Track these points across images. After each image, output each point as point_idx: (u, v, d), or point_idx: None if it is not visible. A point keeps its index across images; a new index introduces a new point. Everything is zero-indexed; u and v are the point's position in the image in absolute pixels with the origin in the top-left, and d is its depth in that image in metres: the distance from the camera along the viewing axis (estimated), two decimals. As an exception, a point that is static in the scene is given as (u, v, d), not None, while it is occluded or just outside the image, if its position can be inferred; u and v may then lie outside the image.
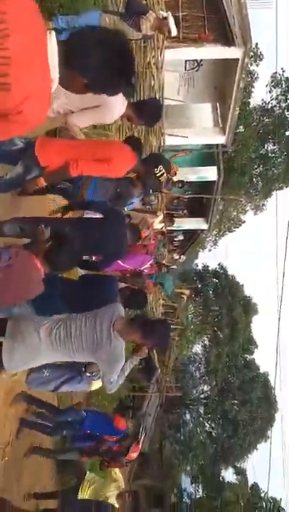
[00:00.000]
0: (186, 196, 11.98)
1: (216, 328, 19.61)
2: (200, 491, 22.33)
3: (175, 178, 8.62)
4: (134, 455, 5.27)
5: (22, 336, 2.54)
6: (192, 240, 15.65)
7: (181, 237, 14.13)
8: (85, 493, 4.88)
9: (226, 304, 19.85)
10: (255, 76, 16.25)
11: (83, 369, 4.12)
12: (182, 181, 9.45)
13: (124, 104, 3.05)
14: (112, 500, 4.78)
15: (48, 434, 5.21)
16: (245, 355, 21.33)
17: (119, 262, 5.21)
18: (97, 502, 4.59)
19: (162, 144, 9.19)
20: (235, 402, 20.58)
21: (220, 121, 11.49)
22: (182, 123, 11.16)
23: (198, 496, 22.19)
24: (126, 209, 5.38)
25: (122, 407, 10.37)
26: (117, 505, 4.67)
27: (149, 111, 3.26)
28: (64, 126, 3.14)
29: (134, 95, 5.62)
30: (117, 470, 5.44)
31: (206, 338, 19.77)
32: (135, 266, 6.82)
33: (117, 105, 3.01)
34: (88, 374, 4.15)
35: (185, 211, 12.60)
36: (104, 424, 5.00)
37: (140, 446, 5.55)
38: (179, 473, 21.04)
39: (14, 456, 4.71)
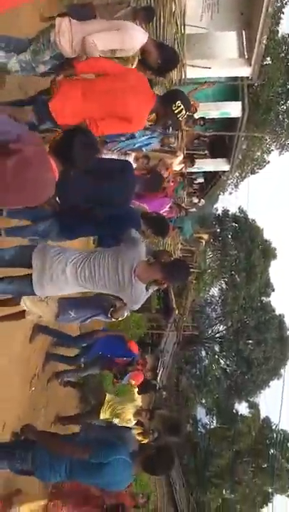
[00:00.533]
0: (208, 134, 11.43)
1: (233, 272, 19.67)
2: (214, 421, 23.76)
3: (196, 115, 8.19)
4: (147, 367, 5.47)
5: (49, 275, 2.66)
6: (213, 182, 15.20)
7: (201, 180, 13.73)
8: (104, 414, 5.15)
9: (245, 248, 19.75)
10: (285, 1, 14.79)
11: (109, 315, 4.21)
12: (204, 118, 8.97)
13: (144, 35, 2.97)
14: (129, 416, 5.06)
15: (69, 364, 5.49)
16: (262, 298, 21.58)
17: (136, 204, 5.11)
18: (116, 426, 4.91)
19: (183, 76, 8.63)
20: (250, 341, 21.19)
21: (245, 51, 10.60)
22: (205, 53, 10.34)
23: (212, 427, 23.67)
24: (144, 150, 5.18)
25: (142, 343, 10.79)
26: (134, 421, 5.01)
27: (169, 54, 3.16)
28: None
29: (153, 19, 5.25)
30: (136, 391, 5.67)
31: (223, 282, 19.95)
32: (153, 209, 6.69)
33: (136, 31, 2.95)
34: (114, 320, 4.27)
35: (206, 151, 12.11)
36: (116, 344, 5.22)
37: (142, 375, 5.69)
38: (194, 405, 22.29)
39: (41, 387, 5.03)
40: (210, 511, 21.99)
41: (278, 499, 21.21)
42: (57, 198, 3.15)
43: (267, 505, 21.52)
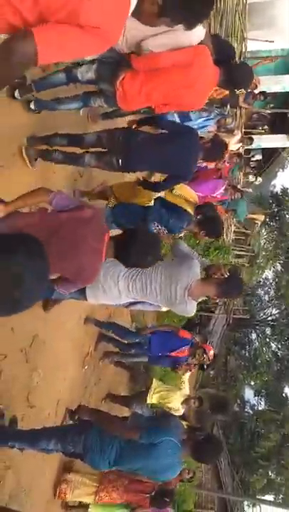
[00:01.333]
0: (268, 110, 10.83)
1: (289, 254, 18.88)
2: (262, 403, 23.53)
3: (256, 90, 7.76)
4: (211, 353, 5.33)
5: (102, 289, 2.73)
6: (271, 159, 14.49)
7: (259, 157, 13.13)
8: (151, 399, 5.26)
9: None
10: None
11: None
12: (264, 93, 8.49)
13: (202, 30, 2.87)
14: (177, 405, 5.12)
15: (120, 349, 5.61)
16: None
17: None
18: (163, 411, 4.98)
19: (244, 49, 8.18)
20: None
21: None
22: (266, 23, 9.69)
23: (260, 408, 23.47)
24: (199, 133, 4.99)
25: (190, 324, 10.76)
26: (182, 410, 5.04)
27: (224, 46, 3.23)
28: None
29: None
30: (185, 379, 5.70)
31: (278, 263, 19.24)
32: (207, 192, 6.49)
33: None
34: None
35: (266, 127, 11.51)
36: (169, 340, 5.17)
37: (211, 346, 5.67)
38: (242, 386, 22.17)
39: (93, 365, 5.21)
40: (255, 491, 22.13)
41: None
42: (119, 161, 3.16)
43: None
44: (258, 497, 21.14)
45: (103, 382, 5.69)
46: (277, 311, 21.39)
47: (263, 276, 18.06)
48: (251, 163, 12.69)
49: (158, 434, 2.73)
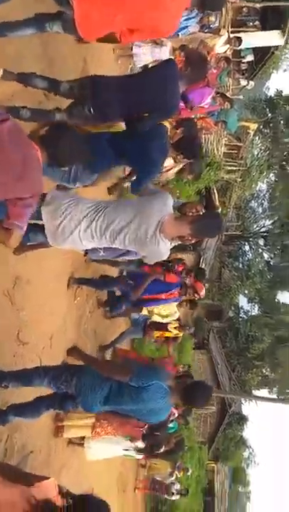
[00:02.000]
0: (258, 4, 9.63)
1: (284, 163, 18.32)
2: (255, 309, 24.71)
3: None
4: (202, 293, 5.32)
5: (62, 232, 2.43)
6: (264, 60, 13.28)
7: (250, 58, 11.98)
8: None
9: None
10: None
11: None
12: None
13: None
14: (172, 310, 5.26)
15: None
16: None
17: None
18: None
19: None
20: (297, 235, 20.69)
21: None
22: None
23: (253, 313, 24.71)
24: (180, 35, 4.40)
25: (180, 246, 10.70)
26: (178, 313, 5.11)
27: None
28: None
29: None
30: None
31: (272, 173, 18.75)
32: (194, 102, 5.95)
33: None
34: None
35: (257, 23, 10.35)
36: (154, 286, 5.03)
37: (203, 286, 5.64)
38: (236, 294, 23.06)
39: (86, 295, 5.20)
40: (250, 387, 24.22)
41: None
42: (91, 108, 2.87)
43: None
44: (253, 394, 23.15)
45: (96, 312, 5.77)
46: (271, 221, 21.41)
47: (257, 188, 17.68)
48: (242, 65, 11.64)
49: (148, 377, 2.71)
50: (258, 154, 15.29)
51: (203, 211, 2.55)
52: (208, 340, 18.65)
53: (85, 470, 5.17)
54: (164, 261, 4.87)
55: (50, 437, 4.23)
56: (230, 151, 10.83)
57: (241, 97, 10.17)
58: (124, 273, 5.50)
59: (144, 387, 2.67)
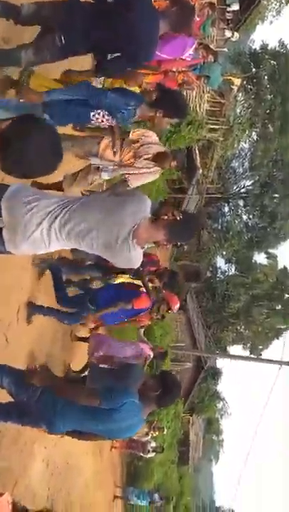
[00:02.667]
0: None
1: (266, 121, 17.88)
2: (233, 269, 25.10)
3: None
4: (176, 307, 4.94)
5: (22, 232, 2.06)
6: (250, 9, 12.52)
7: (235, 7, 11.24)
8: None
9: (282, 91, 17.48)
10: None
11: None
12: None
13: None
14: None
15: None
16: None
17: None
18: None
19: None
20: (276, 196, 20.65)
21: None
22: None
23: (230, 274, 25.13)
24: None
25: (162, 206, 10.39)
26: None
27: None
28: None
29: None
30: None
31: (254, 132, 18.32)
32: (173, 54, 5.46)
33: None
34: None
35: None
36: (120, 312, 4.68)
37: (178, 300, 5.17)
38: (214, 256, 23.24)
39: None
40: (225, 343, 25.04)
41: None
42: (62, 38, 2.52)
43: (278, 338, 24.03)
44: (228, 351, 23.96)
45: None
46: (251, 182, 21.23)
47: (238, 148, 17.30)
48: (227, 14, 10.91)
49: (118, 397, 2.52)
50: (240, 112, 14.80)
51: (180, 216, 2.22)
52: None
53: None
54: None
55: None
56: (213, 109, 10.33)
57: (226, 49, 9.57)
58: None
59: (116, 409, 2.50)
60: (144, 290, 4.67)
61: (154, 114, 3.13)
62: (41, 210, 2.08)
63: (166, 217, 2.20)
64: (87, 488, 6.73)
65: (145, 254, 4.45)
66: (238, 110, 14.38)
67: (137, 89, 3.39)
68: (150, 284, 4.70)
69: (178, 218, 2.18)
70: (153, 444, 8.94)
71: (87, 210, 2.15)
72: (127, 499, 10.11)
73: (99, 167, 3.82)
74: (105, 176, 3.86)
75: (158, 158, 3.78)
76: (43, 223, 2.07)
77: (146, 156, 3.73)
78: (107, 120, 2.84)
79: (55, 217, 2.09)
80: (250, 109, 16.60)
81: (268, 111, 17.92)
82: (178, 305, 4.92)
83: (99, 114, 2.81)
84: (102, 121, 2.86)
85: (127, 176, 3.75)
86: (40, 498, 4.49)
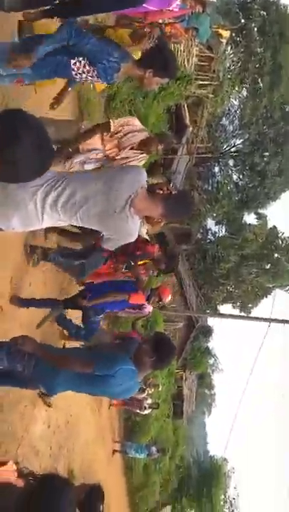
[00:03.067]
0: None
1: (256, 76, 17.33)
2: (223, 231, 25.19)
3: None
4: (168, 300, 5.00)
5: (14, 206, 1.97)
6: None
7: None
8: None
9: (272, 44, 16.83)
10: None
11: None
12: None
13: None
14: None
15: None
16: (284, 106, 19.71)
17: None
18: None
19: None
20: (266, 154, 20.41)
21: None
22: None
23: (221, 235, 25.25)
24: None
25: (153, 166, 10.13)
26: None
27: None
28: None
29: None
30: None
31: (244, 88, 17.79)
32: (159, 5, 5.15)
33: None
34: None
35: None
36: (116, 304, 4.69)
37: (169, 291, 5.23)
38: (205, 217, 23.19)
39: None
40: (215, 303, 25.54)
41: (278, 293, 23.97)
42: None
43: (266, 297, 24.57)
44: (218, 310, 24.46)
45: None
46: (241, 140, 20.87)
47: (228, 105, 16.84)
48: None
49: (113, 364, 2.51)
50: (230, 66, 14.27)
51: (175, 191, 2.16)
52: (177, 264, 18.99)
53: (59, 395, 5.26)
54: (127, 256, 4.44)
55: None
56: (202, 63, 9.90)
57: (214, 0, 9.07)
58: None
59: (111, 375, 2.51)
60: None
61: (144, 74, 2.96)
62: (34, 182, 1.99)
63: (161, 191, 2.17)
64: (87, 444, 7.01)
65: (140, 247, 4.45)
66: (228, 64, 13.85)
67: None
68: (144, 278, 4.62)
69: (172, 193, 2.14)
70: (149, 401, 9.27)
71: (84, 181, 2.09)
72: (126, 453, 10.57)
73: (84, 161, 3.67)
74: (89, 168, 3.71)
75: (143, 145, 3.64)
76: (37, 195, 2.00)
77: (131, 146, 3.61)
78: (88, 72, 2.65)
79: (50, 189, 2.02)
80: (239, 64, 16.02)
81: (257, 65, 17.32)
82: (169, 297, 4.97)
83: (80, 62, 2.60)
84: (84, 72, 2.67)
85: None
86: (43, 457, 4.67)
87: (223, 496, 18.54)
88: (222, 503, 18.53)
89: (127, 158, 3.71)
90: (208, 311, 22.66)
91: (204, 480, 18.03)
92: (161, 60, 2.99)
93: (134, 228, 2.17)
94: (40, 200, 2.00)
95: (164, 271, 4.88)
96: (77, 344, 4.69)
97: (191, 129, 11.36)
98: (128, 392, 2.77)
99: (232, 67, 14.10)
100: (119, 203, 2.07)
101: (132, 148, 3.76)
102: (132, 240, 2.24)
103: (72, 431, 5.94)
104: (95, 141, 3.65)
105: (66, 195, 2.03)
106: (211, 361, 28.98)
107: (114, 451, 10.21)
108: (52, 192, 2.02)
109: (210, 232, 26.57)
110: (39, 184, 2.00)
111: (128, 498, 12.66)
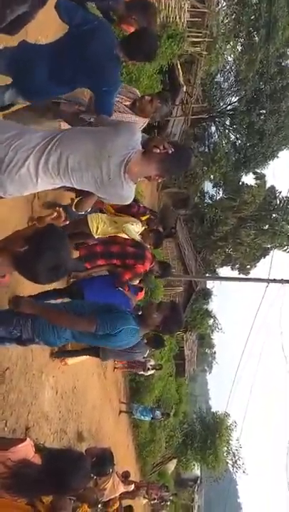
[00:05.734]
0: None
1: (251, 29, 16.58)
2: (220, 193, 24.97)
3: None
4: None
5: (9, 170, 1.93)
6: None
7: None
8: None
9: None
10: None
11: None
12: None
13: None
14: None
15: None
16: (280, 61, 19.01)
17: None
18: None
19: None
20: (263, 112, 19.88)
21: None
22: None
23: (218, 198, 25.06)
24: None
25: (148, 128, 9.88)
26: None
27: None
28: None
29: None
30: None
31: (238, 42, 17.05)
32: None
33: None
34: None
35: None
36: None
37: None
38: (202, 180, 22.90)
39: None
40: (214, 266, 25.71)
41: (276, 253, 24.08)
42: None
43: (264, 257, 24.72)
44: (217, 272, 24.65)
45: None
46: (237, 98, 20.26)
47: (223, 61, 16.17)
48: None
49: (115, 324, 2.53)
50: (223, 20, 13.62)
51: (172, 149, 2.08)
52: (175, 228, 18.98)
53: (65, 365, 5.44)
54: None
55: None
56: (194, 19, 9.44)
57: None
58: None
59: (113, 334, 2.55)
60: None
61: (128, 17, 2.83)
62: (25, 144, 1.97)
63: (157, 150, 2.11)
64: (94, 406, 7.29)
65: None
66: (221, 18, 13.22)
67: None
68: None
69: (169, 152, 2.09)
70: (152, 363, 9.55)
71: (77, 142, 2.04)
72: (132, 413, 11.00)
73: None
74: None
75: (135, 106, 3.35)
76: (30, 158, 1.96)
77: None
78: None
79: (43, 151, 1.98)
80: (233, 16, 15.26)
81: (252, 17, 16.53)
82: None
83: None
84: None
85: None
86: (53, 421, 4.87)
87: (226, 448, 19.41)
88: (225, 454, 19.42)
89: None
90: (207, 275, 22.85)
91: (207, 434, 18.84)
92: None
93: (129, 194, 2.15)
94: (34, 164, 1.98)
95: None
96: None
97: (185, 88, 11.00)
98: (128, 346, 2.80)
99: (225, 21, 13.46)
100: (113, 168, 2.03)
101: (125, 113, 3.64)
102: (127, 202, 2.22)
103: (79, 394, 6.17)
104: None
105: (60, 157, 2.00)
106: (211, 322, 29.57)
107: (121, 411, 10.61)
108: (44, 155, 1.99)
109: (207, 195, 26.38)
110: (31, 147, 1.98)
111: (135, 453, 13.31)
